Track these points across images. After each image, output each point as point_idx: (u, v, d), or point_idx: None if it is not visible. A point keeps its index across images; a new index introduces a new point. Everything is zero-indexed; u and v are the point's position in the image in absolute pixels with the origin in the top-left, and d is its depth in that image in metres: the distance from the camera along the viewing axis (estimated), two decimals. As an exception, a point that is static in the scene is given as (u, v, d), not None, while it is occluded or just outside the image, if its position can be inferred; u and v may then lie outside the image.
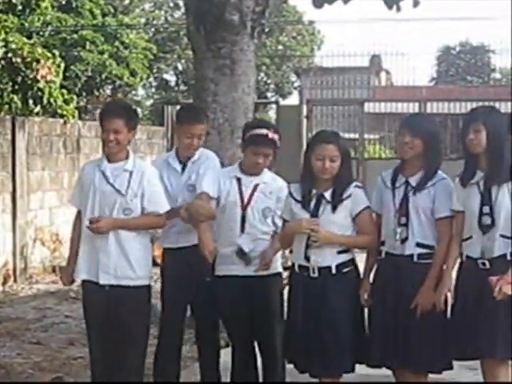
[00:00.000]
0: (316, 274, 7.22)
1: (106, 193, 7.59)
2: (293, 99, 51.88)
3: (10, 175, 16.16)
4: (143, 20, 48.45)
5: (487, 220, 6.84)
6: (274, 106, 32.08)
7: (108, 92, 32.75)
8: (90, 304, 7.75)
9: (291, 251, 7.62)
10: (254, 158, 7.78)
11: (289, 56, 56.47)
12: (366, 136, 27.20)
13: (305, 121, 25.50)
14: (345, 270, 7.27)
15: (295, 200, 7.42)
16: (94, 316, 7.71)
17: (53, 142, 18.08)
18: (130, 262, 7.60)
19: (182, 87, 49.75)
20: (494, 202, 6.87)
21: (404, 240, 7.15)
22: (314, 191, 7.32)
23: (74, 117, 19.78)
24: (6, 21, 17.32)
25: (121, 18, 37.47)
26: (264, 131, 7.83)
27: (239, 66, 11.02)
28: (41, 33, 27.80)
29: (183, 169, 8.32)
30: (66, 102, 20.08)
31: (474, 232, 6.95)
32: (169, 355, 8.37)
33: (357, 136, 26.24)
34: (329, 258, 7.22)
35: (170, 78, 53.09)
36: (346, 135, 24.07)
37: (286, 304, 7.67)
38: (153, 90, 50.63)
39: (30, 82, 18.27)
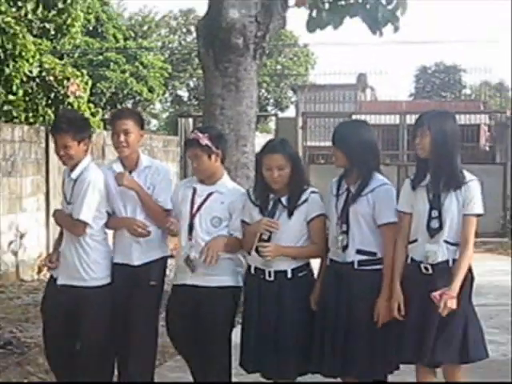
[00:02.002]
0: (272, 278, 6.70)
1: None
2: (290, 112, 51.81)
3: (44, 178, 16.16)
4: (160, 43, 48.40)
5: (435, 224, 6.29)
6: (273, 118, 32.01)
7: (129, 106, 32.64)
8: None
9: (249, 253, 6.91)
10: (191, 162, 7.22)
11: (286, 75, 56.40)
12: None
13: (300, 131, 25.43)
14: (300, 274, 6.74)
15: (254, 204, 6.87)
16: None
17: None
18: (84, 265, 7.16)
19: (194, 102, 49.59)
20: (443, 207, 6.30)
21: (345, 247, 6.56)
22: (271, 196, 6.79)
23: (99, 127, 19.79)
24: (40, 44, 17.28)
25: (140, 42, 37.51)
26: (192, 135, 7.18)
27: (243, 84, 11.00)
28: (71, 54, 27.81)
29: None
30: (92, 114, 20.08)
31: (420, 235, 6.40)
32: None
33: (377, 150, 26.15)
34: (285, 263, 6.67)
35: (183, 93, 53.04)
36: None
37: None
38: (168, 104, 50.52)
39: (61, 97, 18.25)
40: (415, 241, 6.43)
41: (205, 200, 6.99)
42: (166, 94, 47.72)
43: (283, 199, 6.72)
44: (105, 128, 22.90)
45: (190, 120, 25.72)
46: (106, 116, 27.56)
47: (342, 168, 6.78)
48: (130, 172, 7.26)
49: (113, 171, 7.31)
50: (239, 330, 6.99)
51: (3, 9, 15.67)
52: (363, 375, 6.58)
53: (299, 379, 6.89)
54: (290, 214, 6.67)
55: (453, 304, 6.04)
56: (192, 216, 6.98)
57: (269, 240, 6.62)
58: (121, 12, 43.84)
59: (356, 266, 6.55)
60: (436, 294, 6.08)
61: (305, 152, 23.85)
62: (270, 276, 6.68)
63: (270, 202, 6.77)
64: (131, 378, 7.16)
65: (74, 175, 7.14)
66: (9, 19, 15.49)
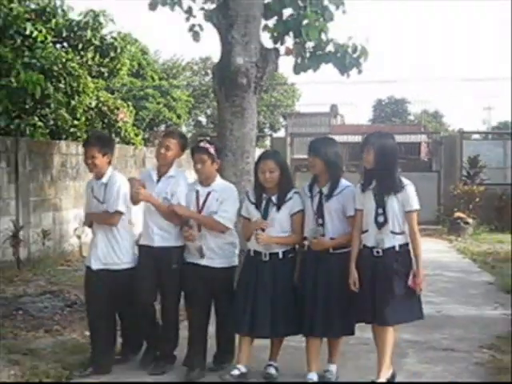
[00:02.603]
0: (267, 258, 6.69)
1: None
2: (281, 133, 51.60)
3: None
4: (185, 82, 48.30)
5: (381, 219, 6.33)
6: (269, 137, 32.10)
7: (162, 128, 32.66)
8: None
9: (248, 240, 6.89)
10: (195, 165, 7.02)
11: (278, 105, 56.27)
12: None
13: (289, 147, 25.53)
14: (289, 255, 6.75)
15: (250, 202, 6.90)
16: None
17: (127, 161, 18.05)
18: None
19: (210, 125, 49.40)
20: (386, 206, 6.33)
21: (321, 236, 6.58)
22: (264, 195, 6.80)
23: (141, 144, 19.75)
24: (97, 83, 17.27)
25: (171, 81, 37.42)
26: (202, 144, 7.10)
27: (246, 112, 10.97)
28: (120, 91, 27.73)
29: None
30: (136, 135, 20.02)
31: (370, 227, 6.41)
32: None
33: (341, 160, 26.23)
34: (277, 247, 6.69)
35: (203, 119, 52.89)
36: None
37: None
38: (191, 127, 50.35)
39: (112, 122, 18.23)
40: (366, 231, 6.46)
41: (205, 199, 6.95)
42: (190, 120, 47.70)
43: (273, 197, 6.73)
44: (145, 145, 22.91)
45: (208, 139, 25.75)
46: (146, 136, 27.60)
47: (317, 174, 6.73)
48: (160, 178, 7.21)
49: (149, 175, 7.31)
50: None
51: (70, 57, 15.64)
52: (337, 332, 6.75)
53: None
54: (278, 209, 6.70)
55: (422, 286, 6.30)
56: (199, 212, 6.94)
57: (263, 231, 6.63)
58: (156, 59, 43.78)
59: (331, 250, 6.59)
60: (410, 282, 6.28)
61: (292, 163, 23.79)
62: (265, 257, 6.69)
63: (263, 200, 6.77)
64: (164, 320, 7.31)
65: (104, 180, 7.10)
66: (74, 64, 15.45)
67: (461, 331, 8.86)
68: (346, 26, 12.31)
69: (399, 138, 30.94)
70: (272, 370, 6.89)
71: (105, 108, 18.06)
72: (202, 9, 11.53)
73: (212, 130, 44.22)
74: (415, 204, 6.39)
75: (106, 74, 18.05)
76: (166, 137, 7.32)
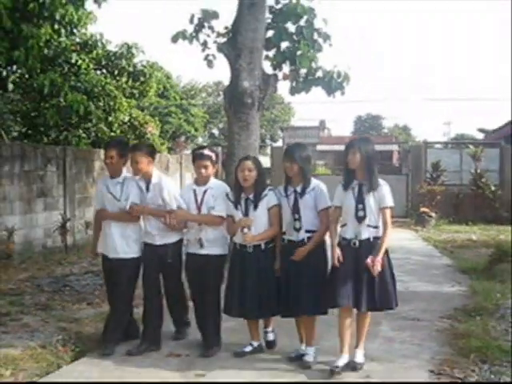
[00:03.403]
0: (251, 250, 6.30)
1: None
2: (279, 143, 51.63)
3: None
4: (201, 101, 48.34)
5: (361, 213, 5.95)
6: (269, 147, 31.97)
7: (183, 139, 32.70)
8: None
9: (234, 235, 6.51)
10: (198, 169, 6.54)
11: (277, 120, 56.36)
12: (317, 162, 27.13)
13: (285, 154, 25.46)
14: (269, 246, 6.34)
15: (230, 201, 6.44)
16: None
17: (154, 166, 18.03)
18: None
19: (221, 137, 49.39)
20: (365, 202, 5.97)
21: (298, 229, 6.18)
22: (242, 195, 6.36)
23: (165, 152, 19.73)
24: (130, 102, 17.28)
25: (190, 101, 37.52)
26: (201, 151, 6.63)
27: (251, 126, 10.98)
28: (148, 109, 27.76)
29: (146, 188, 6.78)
30: (161, 144, 20.08)
31: (349, 221, 6.03)
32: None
33: (311, 162, 26.18)
34: (259, 240, 6.31)
35: (216, 132, 52.95)
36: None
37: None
38: (206, 138, 50.39)
39: (142, 134, 18.24)
40: (345, 225, 6.11)
41: (203, 197, 6.54)
42: (205, 132, 47.74)
43: (250, 196, 6.33)
44: (169, 152, 22.91)
45: (220, 148, 25.76)
46: (169, 145, 27.61)
47: (291, 176, 6.29)
48: (147, 186, 6.67)
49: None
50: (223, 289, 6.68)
51: (108, 81, 15.67)
52: (312, 311, 6.24)
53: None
54: (256, 207, 6.30)
55: (379, 267, 5.86)
56: (198, 209, 6.54)
57: (249, 228, 6.29)
58: (178, 82, 43.78)
59: (306, 240, 6.18)
60: (368, 260, 5.87)
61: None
62: (249, 249, 6.31)
63: (241, 200, 6.36)
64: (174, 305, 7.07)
65: (120, 179, 6.75)
66: (111, 87, 15.48)
67: (424, 304, 8.85)
68: (333, 54, 12.30)
69: (376, 147, 31.06)
70: (271, 336, 6.71)
71: (136, 123, 18.10)
72: (215, 42, 11.58)
73: (223, 140, 44.22)
74: (389, 201, 6.06)
75: (137, 95, 18.09)
76: (133, 152, 6.68)
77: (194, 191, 6.62)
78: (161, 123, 23.93)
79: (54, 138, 14.77)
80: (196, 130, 34.72)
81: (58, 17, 13.79)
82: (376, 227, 6.05)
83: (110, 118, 15.76)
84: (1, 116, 12.15)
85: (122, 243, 6.73)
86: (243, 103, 10.93)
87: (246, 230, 6.29)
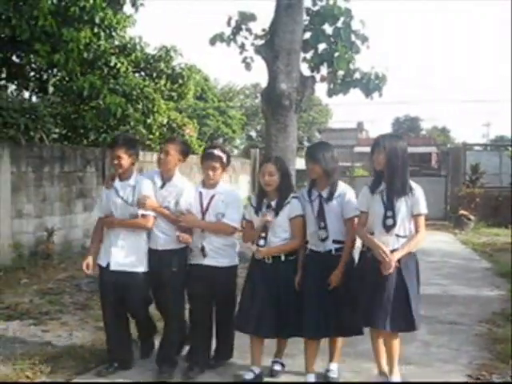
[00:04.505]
0: (270, 261, 5.60)
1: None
2: (316, 145, 51.80)
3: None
4: (239, 104, 48.46)
5: (390, 221, 5.23)
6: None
7: (220, 141, 32.84)
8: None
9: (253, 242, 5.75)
10: (206, 171, 5.80)
11: (314, 122, 56.32)
12: (355, 164, 27.00)
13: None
14: (290, 258, 5.64)
15: (252, 206, 5.78)
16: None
17: (192, 167, 18.07)
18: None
19: (259, 138, 49.45)
20: (395, 209, 5.24)
21: (324, 239, 5.51)
22: (264, 200, 5.71)
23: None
24: (168, 104, 17.39)
25: (227, 103, 37.65)
26: (211, 150, 5.85)
27: (289, 128, 10.99)
28: (186, 110, 27.93)
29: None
30: (199, 146, 20.16)
31: (376, 230, 5.31)
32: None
33: (350, 164, 26.06)
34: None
35: (253, 134, 52.98)
36: (345, 164, 24.14)
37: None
38: (244, 140, 50.49)
39: (180, 136, 18.38)
40: (372, 234, 5.33)
41: (210, 201, 5.81)
42: (243, 134, 47.85)
43: (273, 203, 5.65)
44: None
45: (258, 150, 25.90)
46: (207, 147, 27.83)
47: (315, 178, 5.67)
48: (163, 184, 5.91)
49: (153, 178, 5.95)
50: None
51: (146, 83, 15.79)
52: (347, 332, 5.65)
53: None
54: (277, 214, 5.59)
55: (393, 260, 5.16)
56: (203, 214, 5.81)
57: (266, 234, 5.64)
58: (216, 85, 43.99)
59: (334, 252, 5.52)
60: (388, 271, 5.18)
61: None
62: (268, 260, 5.62)
63: (263, 205, 5.71)
64: (170, 335, 5.99)
65: (132, 182, 5.90)
66: (149, 90, 15.58)
67: (462, 308, 8.75)
68: (370, 56, 12.26)
69: (414, 150, 30.88)
70: (277, 367, 6.00)
71: (174, 125, 18.22)
72: (253, 44, 11.61)
73: (260, 142, 44.29)
74: (423, 208, 5.33)
75: (175, 97, 18.19)
76: (166, 143, 6.05)
77: (201, 194, 5.91)
78: (199, 125, 24.07)
79: (93, 139, 14.92)
80: (234, 132, 34.80)
81: (97, 20, 14.03)
82: (405, 237, 5.34)
83: (149, 121, 15.87)
84: (41, 118, 12.29)
85: (131, 255, 5.86)
86: (281, 105, 10.94)
87: (261, 241, 5.64)
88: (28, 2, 13.13)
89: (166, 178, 5.97)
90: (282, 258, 5.64)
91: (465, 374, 5.97)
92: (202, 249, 5.79)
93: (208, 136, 30.31)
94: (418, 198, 5.33)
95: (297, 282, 5.63)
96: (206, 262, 5.81)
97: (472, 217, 19.90)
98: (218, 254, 5.84)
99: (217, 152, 5.83)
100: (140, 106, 15.36)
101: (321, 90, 47.32)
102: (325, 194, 5.60)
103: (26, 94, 15.29)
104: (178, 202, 5.86)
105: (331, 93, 11.95)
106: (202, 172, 5.97)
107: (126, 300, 5.87)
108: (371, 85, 11.64)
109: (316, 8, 11.78)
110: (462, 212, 20.06)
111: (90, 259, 6.02)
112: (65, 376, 5.78)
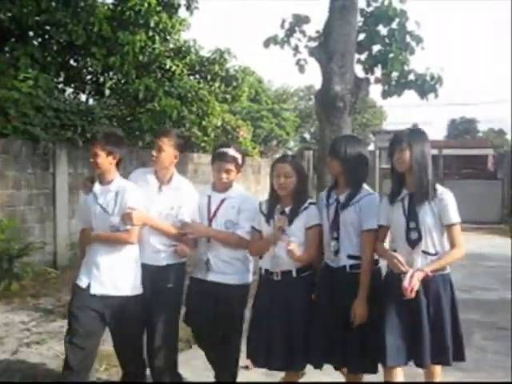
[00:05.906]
0: (279, 278, 4.67)
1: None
2: (371, 147, 51.40)
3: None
4: (293, 106, 48.45)
5: (414, 235, 4.31)
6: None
7: (274, 143, 32.90)
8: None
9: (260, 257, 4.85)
10: (218, 173, 4.94)
11: (368, 124, 55.98)
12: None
13: (377, 159, 25.49)
14: (304, 274, 4.66)
15: (263, 214, 4.77)
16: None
17: (246, 169, 18.15)
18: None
19: (313, 140, 49.33)
20: (418, 218, 4.32)
21: (336, 252, 4.57)
22: (278, 206, 4.73)
23: (257, 156, 19.90)
24: (222, 107, 17.50)
25: (281, 105, 37.61)
26: (225, 149, 4.95)
27: (343, 130, 10.88)
28: (240, 112, 28.04)
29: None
30: (253, 148, 20.23)
31: (399, 246, 4.41)
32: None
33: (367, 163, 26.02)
34: (290, 264, 4.61)
35: (307, 136, 52.92)
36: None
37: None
38: (297, 142, 50.46)
39: (235, 138, 18.48)
40: (394, 251, 4.41)
41: (219, 206, 4.94)
42: (297, 136, 47.87)
43: (287, 209, 4.69)
44: (260, 156, 23.08)
45: (311, 152, 25.88)
46: (261, 149, 27.88)
47: (336, 177, 4.78)
48: (160, 186, 4.98)
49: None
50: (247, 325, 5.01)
51: (201, 86, 15.91)
52: (357, 368, 4.65)
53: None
54: (290, 222, 4.62)
55: (419, 276, 4.20)
56: (209, 221, 4.94)
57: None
58: (270, 87, 44.10)
59: (348, 269, 4.57)
60: (406, 283, 4.19)
61: (380, 172, 23.81)
62: (277, 276, 4.69)
63: (275, 212, 4.73)
64: (158, 371, 4.99)
65: (113, 187, 4.81)
66: (204, 92, 15.70)
67: (521, 314, 8.58)
68: (425, 57, 12.12)
69: (469, 152, 30.37)
70: None
71: (228, 127, 18.34)
72: (306, 46, 11.57)
73: (314, 144, 44.26)
74: (455, 216, 4.34)
75: (229, 100, 18.28)
76: (159, 136, 5.11)
77: (209, 198, 5.04)
78: (253, 127, 24.18)
79: (149, 141, 15.08)
80: (287, 134, 34.87)
81: (152, 24, 14.22)
82: (436, 254, 4.37)
83: (204, 123, 16.00)
84: (98, 120, 12.49)
85: (116, 275, 4.78)
86: (335, 107, 10.87)
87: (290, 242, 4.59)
88: (85, 9, 13.39)
89: (162, 180, 5.06)
90: (294, 273, 4.69)
91: (522, 381, 5.85)
92: (208, 262, 4.95)
93: (262, 138, 30.39)
94: (447, 204, 4.35)
95: (313, 297, 4.72)
96: (211, 277, 4.95)
97: (530, 220, 19.54)
98: (227, 268, 4.96)
99: (231, 152, 4.98)
100: (195, 109, 15.49)
101: (375, 91, 47.14)
102: (342, 198, 4.67)
103: (83, 97, 15.53)
104: (181, 208, 4.96)
105: (385, 94, 11.83)
106: (213, 173, 5.09)
107: (111, 333, 5.00)
108: (426, 86, 11.51)
109: (370, 9, 11.69)
110: (519, 215, 19.70)
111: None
112: (115, 376, 5.81)
